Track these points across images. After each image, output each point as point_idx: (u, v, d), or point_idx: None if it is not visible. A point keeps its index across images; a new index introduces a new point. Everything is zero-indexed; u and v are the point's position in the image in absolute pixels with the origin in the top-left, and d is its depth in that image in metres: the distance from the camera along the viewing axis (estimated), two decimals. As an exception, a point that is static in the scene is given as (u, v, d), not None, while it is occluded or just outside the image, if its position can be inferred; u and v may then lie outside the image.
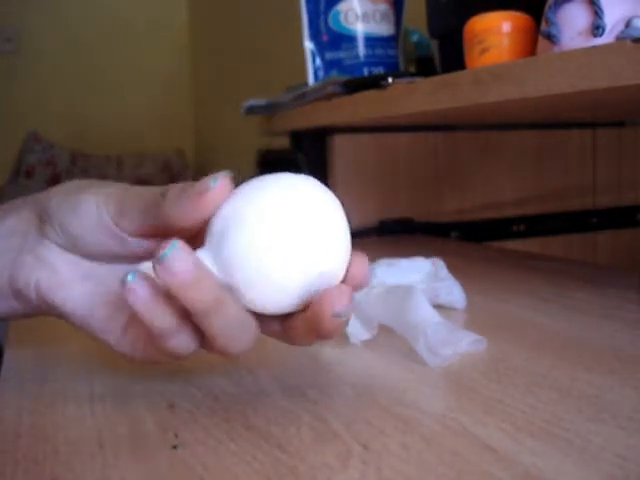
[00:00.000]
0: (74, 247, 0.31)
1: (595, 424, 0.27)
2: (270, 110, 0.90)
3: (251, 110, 0.93)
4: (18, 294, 0.32)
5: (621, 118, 0.97)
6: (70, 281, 0.31)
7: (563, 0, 0.42)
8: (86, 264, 0.32)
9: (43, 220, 0.32)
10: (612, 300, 0.47)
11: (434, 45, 0.76)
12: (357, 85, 0.68)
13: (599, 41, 0.40)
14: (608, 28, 0.40)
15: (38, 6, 2.43)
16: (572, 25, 0.42)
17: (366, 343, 0.38)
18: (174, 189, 0.28)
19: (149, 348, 0.30)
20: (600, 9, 0.40)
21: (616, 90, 0.38)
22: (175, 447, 0.26)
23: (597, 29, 0.40)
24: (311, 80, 0.84)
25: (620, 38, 0.39)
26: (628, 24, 0.39)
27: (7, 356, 0.38)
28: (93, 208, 0.30)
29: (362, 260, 0.29)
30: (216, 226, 0.27)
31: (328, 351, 0.38)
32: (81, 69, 2.54)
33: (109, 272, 0.32)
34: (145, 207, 0.29)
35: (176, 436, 0.27)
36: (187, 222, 0.28)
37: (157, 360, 0.31)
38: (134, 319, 0.30)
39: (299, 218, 0.26)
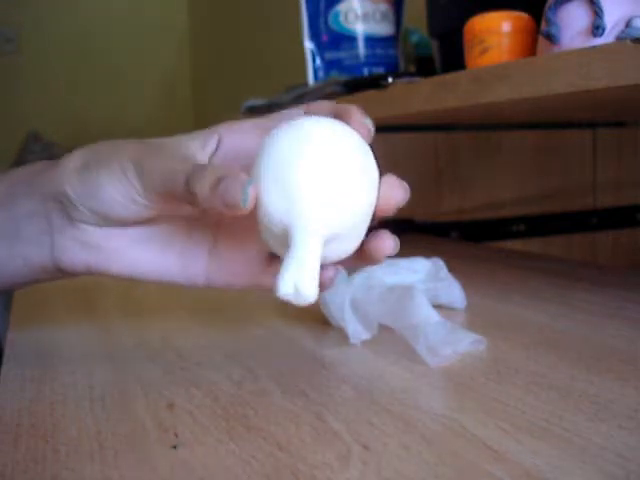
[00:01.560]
0: (108, 221, 0.32)
1: (595, 424, 0.27)
2: (270, 110, 0.90)
3: (251, 110, 0.93)
4: (64, 272, 0.33)
5: (621, 118, 0.97)
6: (119, 252, 0.32)
7: (563, 0, 0.42)
8: (129, 231, 0.33)
9: (65, 204, 0.32)
10: (612, 300, 0.47)
11: (434, 45, 0.75)
12: (357, 85, 0.68)
13: (599, 41, 0.40)
14: (608, 28, 0.40)
15: (38, 6, 2.43)
16: (572, 25, 0.42)
17: (366, 343, 0.38)
18: (204, 184, 0.27)
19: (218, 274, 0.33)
20: (600, 9, 0.40)
21: (616, 90, 0.38)
22: (175, 447, 0.26)
23: (597, 29, 0.40)
24: (311, 80, 0.84)
25: (620, 38, 0.39)
26: (628, 24, 0.39)
27: (7, 356, 0.38)
28: (117, 187, 0.30)
29: (391, 184, 0.29)
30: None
31: (328, 351, 0.38)
32: (81, 69, 2.54)
33: (153, 229, 0.33)
34: (170, 186, 0.29)
35: (176, 436, 0.27)
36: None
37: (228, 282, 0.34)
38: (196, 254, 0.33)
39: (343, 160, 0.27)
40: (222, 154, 0.33)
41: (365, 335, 0.38)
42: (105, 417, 0.29)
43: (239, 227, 0.33)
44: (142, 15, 2.61)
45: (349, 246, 0.29)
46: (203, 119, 2.60)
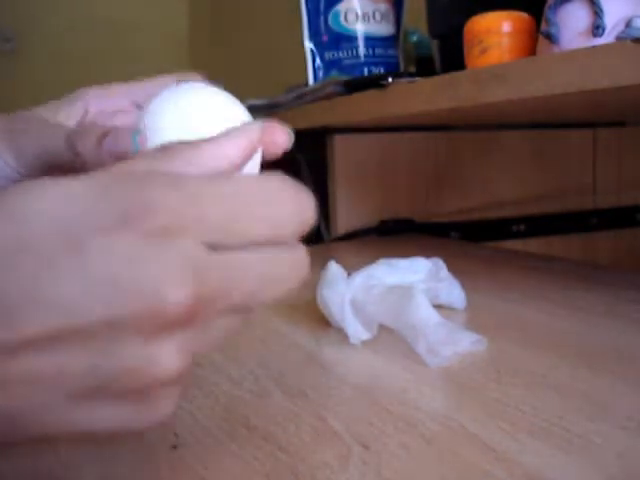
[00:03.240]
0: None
1: (595, 424, 0.27)
2: (270, 110, 0.90)
3: (251, 110, 0.93)
4: None
5: (621, 118, 0.97)
6: None
7: (563, 0, 0.42)
8: None
9: None
10: (612, 300, 0.47)
11: (434, 45, 0.75)
12: (357, 85, 0.68)
13: (599, 41, 0.40)
14: (608, 28, 0.40)
15: (37, 6, 2.43)
16: (572, 25, 0.42)
17: (366, 343, 0.38)
18: (88, 141, 0.28)
19: None
20: (600, 9, 0.40)
21: (616, 90, 0.38)
22: (175, 447, 0.26)
23: (597, 29, 0.40)
24: (311, 80, 0.84)
25: (620, 38, 0.39)
26: (628, 24, 0.39)
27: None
28: None
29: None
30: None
31: (328, 351, 0.38)
32: (81, 69, 2.54)
33: None
34: (46, 155, 0.29)
35: (176, 436, 0.27)
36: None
37: None
38: None
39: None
40: (91, 119, 0.33)
41: (365, 335, 0.38)
42: (105, 417, 0.29)
43: None
44: (142, 15, 2.61)
45: None
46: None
